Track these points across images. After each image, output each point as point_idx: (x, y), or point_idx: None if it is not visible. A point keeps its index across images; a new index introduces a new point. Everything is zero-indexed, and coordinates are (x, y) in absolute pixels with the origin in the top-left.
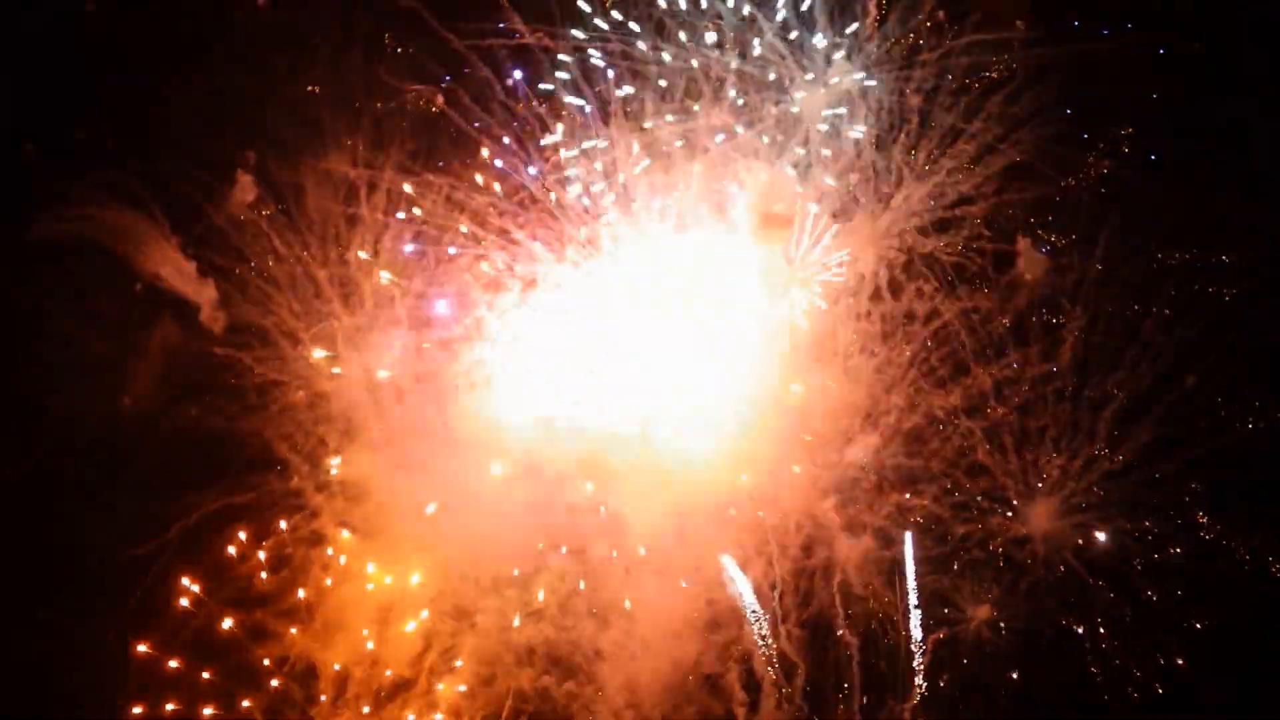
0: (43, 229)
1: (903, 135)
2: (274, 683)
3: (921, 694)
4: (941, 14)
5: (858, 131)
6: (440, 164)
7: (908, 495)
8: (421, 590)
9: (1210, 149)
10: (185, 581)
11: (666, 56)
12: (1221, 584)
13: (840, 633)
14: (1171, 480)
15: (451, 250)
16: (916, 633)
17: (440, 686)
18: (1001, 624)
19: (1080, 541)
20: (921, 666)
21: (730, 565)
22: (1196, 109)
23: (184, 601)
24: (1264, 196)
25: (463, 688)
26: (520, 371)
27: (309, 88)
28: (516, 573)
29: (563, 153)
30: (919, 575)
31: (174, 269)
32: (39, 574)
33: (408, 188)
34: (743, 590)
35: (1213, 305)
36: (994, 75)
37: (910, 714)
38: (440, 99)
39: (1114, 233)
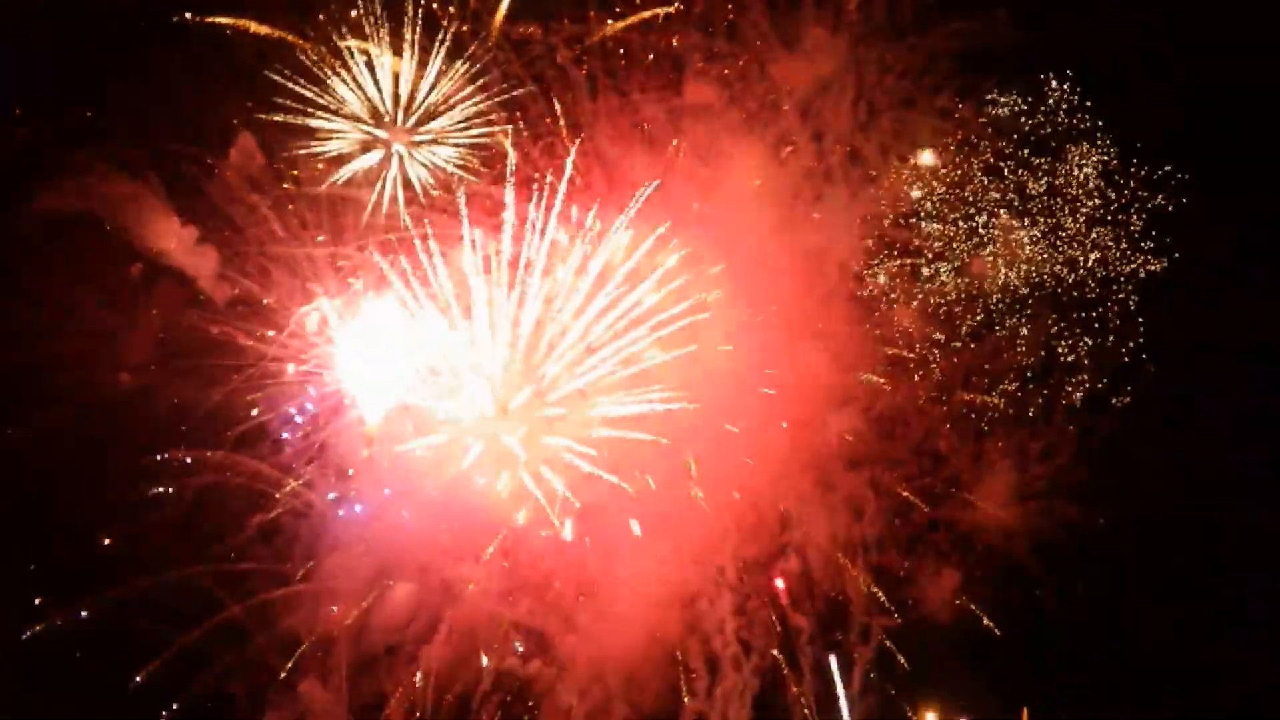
0: (40, 201)
1: (885, 118)
2: (258, 649)
3: (876, 676)
4: None
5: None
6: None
7: (871, 479)
8: (408, 560)
9: (1199, 142)
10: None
11: None
12: (1180, 574)
13: (798, 614)
14: (1130, 469)
15: None
16: (873, 615)
17: (422, 658)
18: (959, 608)
19: (1039, 528)
20: (877, 649)
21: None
22: (1186, 98)
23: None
24: (1247, 189)
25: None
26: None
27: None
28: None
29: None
30: (878, 559)
31: (172, 241)
32: (28, 548)
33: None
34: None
35: (1178, 297)
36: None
37: (861, 695)
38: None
39: (1086, 223)
